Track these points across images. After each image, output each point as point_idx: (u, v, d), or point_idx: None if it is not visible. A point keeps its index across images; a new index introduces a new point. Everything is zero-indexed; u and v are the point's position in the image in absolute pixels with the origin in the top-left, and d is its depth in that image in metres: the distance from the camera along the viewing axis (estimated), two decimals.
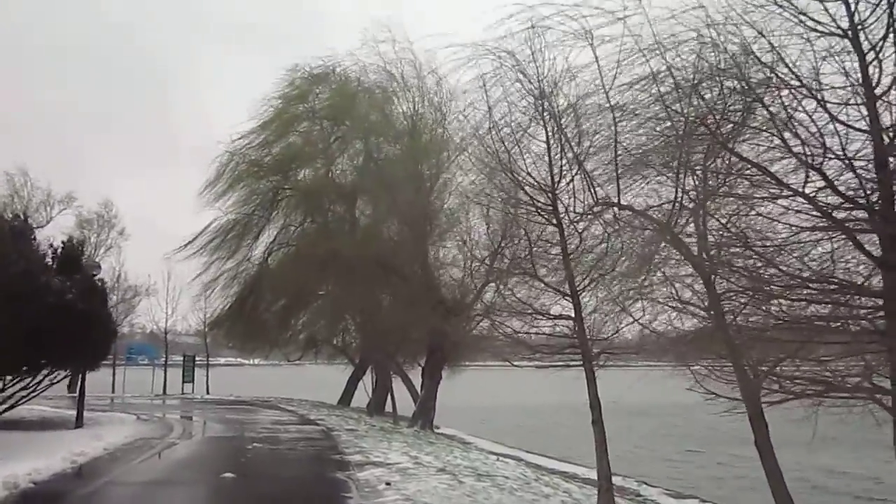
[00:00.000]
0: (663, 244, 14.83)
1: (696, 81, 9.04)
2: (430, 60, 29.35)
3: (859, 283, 7.19)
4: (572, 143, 12.82)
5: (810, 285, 7.19)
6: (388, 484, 13.08)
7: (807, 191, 7.19)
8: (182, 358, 53.69)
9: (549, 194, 12.80)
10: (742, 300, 12.75)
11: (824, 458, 27.90)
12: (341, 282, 31.23)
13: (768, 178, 6.83)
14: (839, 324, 7.42)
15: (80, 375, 24.92)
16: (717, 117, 8.01)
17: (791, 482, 15.42)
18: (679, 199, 14.32)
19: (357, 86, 34.09)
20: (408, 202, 28.08)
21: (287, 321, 37.68)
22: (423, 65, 30.86)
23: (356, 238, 31.79)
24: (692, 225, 11.85)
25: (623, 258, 13.31)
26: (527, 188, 12.76)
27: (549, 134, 12.65)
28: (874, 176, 6.56)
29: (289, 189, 35.64)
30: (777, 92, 7.01)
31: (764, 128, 6.90)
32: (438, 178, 28.58)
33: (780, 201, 7.20)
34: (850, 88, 6.62)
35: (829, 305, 7.43)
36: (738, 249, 12.29)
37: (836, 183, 6.78)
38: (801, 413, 7.85)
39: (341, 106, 33.87)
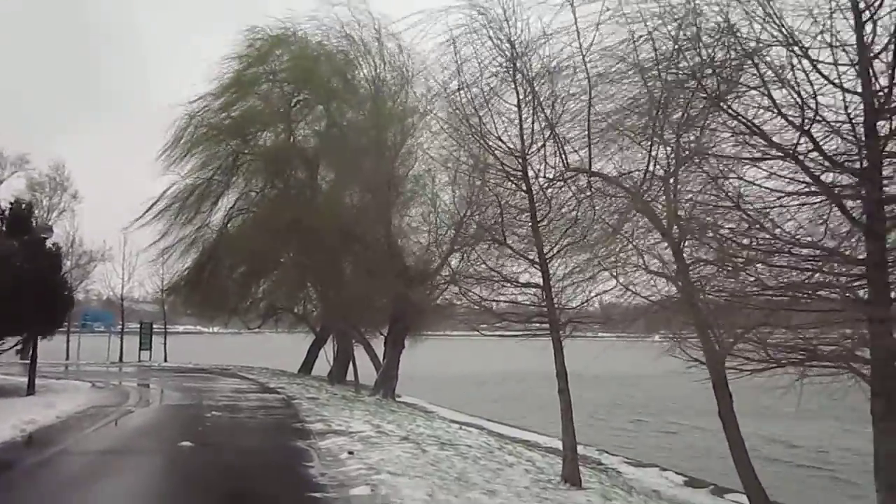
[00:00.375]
0: (634, 213, 14.71)
1: (678, 47, 8.77)
2: (389, 25, 28.87)
3: (842, 251, 7.07)
4: (545, 108, 12.53)
5: (793, 251, 7.02)
6: (350, 453, 12.82)
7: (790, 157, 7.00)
8: (139, 325, 52.70)
9: (520, 159, 12.51)
10: (710, 270, 12.71)
11: (778, 428, 28.48)
12: (303, 249, 30.73)
13: (756, 138, 6.60)
14: (816, 292, 7.28)
15: (32, 342, 24.14)
16: (709, 73, 7.74)
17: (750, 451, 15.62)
18: (651, 167, 14.21)
19: (318, 50, 33.24)
20: (371, 169, 27.61)
21: (247, 288, 37.01)
22: (384, 28, 30.30)
23: (318, 205, 31.22)
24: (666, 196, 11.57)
25: (594, 226, 13.12)
26: (497, 152, 12.44)
27: (521, 97, 12.32)
28: (863, 140, 6.39)
29: (249, 153, 34.74)
30: (768, 50, 6.79)
31: (753, 86, 6.65)
32: (403, 145, 28.10)
33: (762, 166, 6.98)
34: (842, 49, 6.41)
35: (807, 273, 7.28)
36: (709, 218, 12.21)
37: (823, 147, 6.59)
38: (783, 383, 7.72)
39: (302, 69, 33.00)
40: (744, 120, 6.31)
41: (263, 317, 40.75)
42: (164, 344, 50.63)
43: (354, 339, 32.37)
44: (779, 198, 6.98)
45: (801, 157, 6.27)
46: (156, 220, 35.96)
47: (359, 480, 10.51)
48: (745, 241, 7.74)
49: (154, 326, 52.54)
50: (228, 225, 35.95)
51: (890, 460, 6.76)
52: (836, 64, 6.49)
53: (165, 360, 47.71)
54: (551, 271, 13.00)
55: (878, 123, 6.43)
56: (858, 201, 6.68)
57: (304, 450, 13.35)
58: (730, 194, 9.32)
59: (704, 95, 8.25)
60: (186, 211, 35.50)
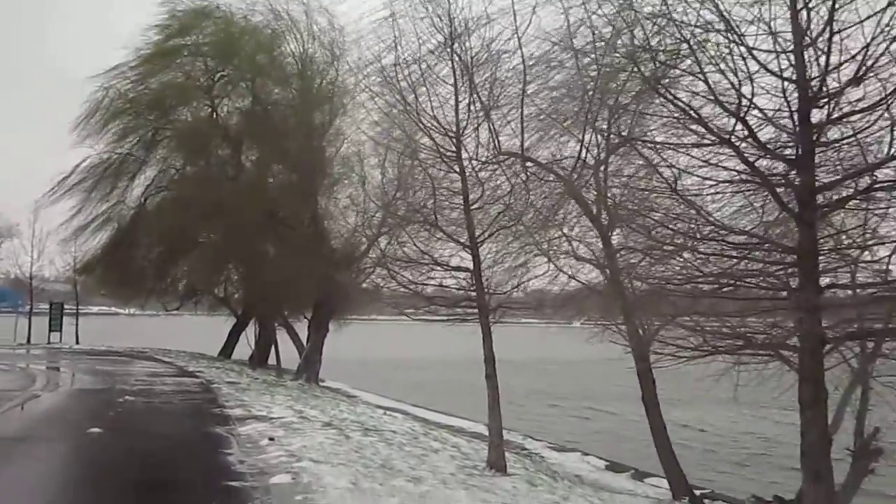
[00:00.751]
0: (566, 199, 14.71)
1: (615, 30, 8.65)
2: None
3: (774, 239, 7.10)
4: (480, 91, 12.33)
5: (726, 239, 7.00)
6: (271, 439, 12.40)
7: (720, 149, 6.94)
8: (49, 306, 50.31)
9: (454, 140, 12.26)
10: (639, 257, 12.80)
11: (700, 414, 29.30)
12: (225, 229, 29.72)
13: (692, 124, 6.52)
14: (747, 280, 7.30)
15: None
16: (646, 57, 7.64)
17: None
18: (583, 154, 14.21)
19: (244, 24, 32.09)
20: (298, 148, 26.95)
21: (165, 269, 35.66)
22: (314, 1, 29.53)
23: (242, 184, 30.30)
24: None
25: (526, 212, 13.02)
26: (431, 132, 12.16)
27: (458, 77, 12.07)
28: (796, 128, 6.38)
29: (169, 128, 33.37)
30: (705, 35, 6.71)
31: (690, 72, 6.58)
32: (332, 125, 27.50)
33: (696, 153, 6.93)
34: (777, 36, 6.37)
35: (738, 261, 7.29)
36: (640, 206, 12.25)
37: (758, 135, 6.56)
38: (712, 371, 7.73)
39: (226, 43, 31.79)
40: (681, 104, 6.21)
41: (182, 298, 39.39)
42: (76, 325, 48.43)
43: (277, 323, 31.66)
44: (712, 185, 6.94)
45: (737, 144, 6.21)
46: (68, 196, 34.31)
47: (280, 468, 10.13)
48: (676, 228, 7.67)
49: (65, 307, 50.21)
50: (146, 202, 34.54)
51: (815, 447, 6.84)
52: (772, 51, 6.46)
53: (77, 343, 45.70)
54: (482, 256, 12.85)
55: (812, 112, 6.44)
56: (791, 189, 6.70)
57: (222, 436, 12.84)
58: (661, 182, 9.29)
59: (641, 78, 8.15)
60: (101, 187, 33.95)
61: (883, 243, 6.67)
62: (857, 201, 6.83)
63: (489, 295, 13.14)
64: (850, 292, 7.15)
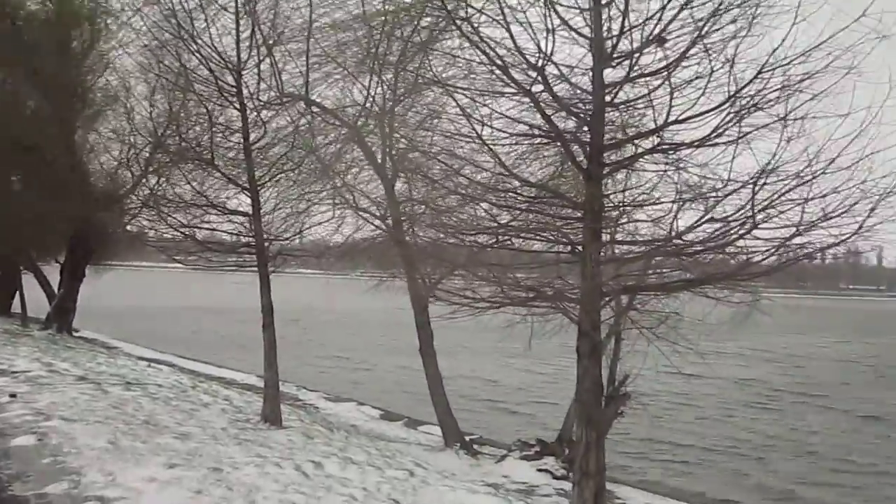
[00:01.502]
0: (351, 147, 14.35)
1: None
2: None
3: (563, 193, 7.29)
4: (263, 23, 11.53)
5: (516, 192, 7.06)
6: (12, 396, 11.04)
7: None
8: None
9: (235, 74, 11.38)
10: (421, 210, 12.80)
11: (480, 365, 30.68)
12: None
13: (495, 74, 6.43)
14: (534, 233, 7.46)
15: None
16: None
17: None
18: (369, 101, 13.89)
19: None
20: (53, 73, 23.92)
21: None
22: None
23: None
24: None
25: (310, 157, 12.48)
26: (210, 63, 11.15)
27: (240, 7, 11.16)
28: (590, 86, 6.52)
29: None
30: None
31: (493, 17, 6.43)
32: (93, 49, 24.69)
33: (493, 105, 6.85)
34: None
35: (523, 213, 7.41)
36: (423, 158, 12.19)
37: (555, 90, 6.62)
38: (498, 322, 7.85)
39: None
40: (482, 48, 6.06)
41: None
42: None
43: (23, 266, 28.34)
44: (506, 137, 6.94)
45: (536, 97, 6.22)
46: None
47: (23, 428, 9.05)
48: (463, 181, 7.64)
49: None
50: None
51: (590, 395, 7.22)
52: (573, 7, 6.52)
53: None
54: (262, 200, 12.17)
55: (605, 71, 6.61)
56: (581, 146, 6.88)
57: None
58: (450, 131, 9.20)
59: (441, 11, 7.83)
60: None
61: (661, 202, 7.09)
62: (643, 161, 7.18)
63: (269, 242, 12.53)
64: (630, 248, 7.56)
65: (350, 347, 36.18)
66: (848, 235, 5.96)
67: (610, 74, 6.54)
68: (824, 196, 5.88)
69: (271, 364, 12.70)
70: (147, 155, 19.24)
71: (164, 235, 13.72)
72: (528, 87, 6.23)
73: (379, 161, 14.48)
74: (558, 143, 7.02)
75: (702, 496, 14.21)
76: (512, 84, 6.27)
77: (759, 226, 6.15)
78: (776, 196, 6.06)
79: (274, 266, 12.83)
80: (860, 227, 5.83)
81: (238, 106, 11.69)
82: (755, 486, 15.14)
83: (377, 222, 15.02)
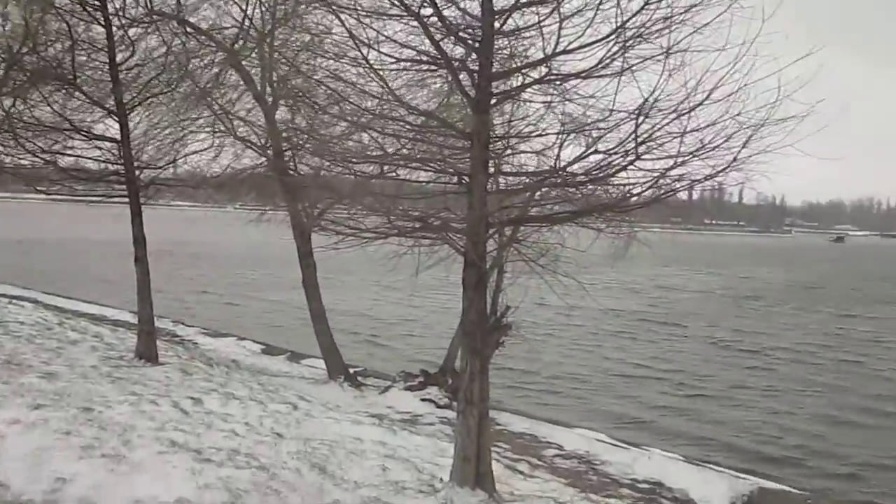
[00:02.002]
0: (228, 71, 13.61)
1: None
2: None
3: (452, 122, 7.16)
4: None
5: (405, 120, 6.87)
6: None
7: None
8: None
9: None
10: (304, 139, 12.35)
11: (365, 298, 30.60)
12: None
13: None
14: (421, 163, 7.31)
15: None
16: None
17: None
18: (247, 23, 13.15)
19: None
20: None
21: None
22: None
23: None
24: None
25: (184, 80, 11.73)
26: None
27: None
28: (479, 13, 6.35)
29: None
30: None
31: None
32: None
33: (380, 28, 6.57)
34: None
35: (410, 142, 7.25)
36: (306, 83, 11.74)
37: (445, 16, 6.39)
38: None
39: None
40: None
41: None
42: None
43: None
44: (393, 62, 6.70)
45: (423, 20, 6.00)
46: None
47: None
48: (351, 108, 7.37)
49: None
50: None
51: (475, 325, 7.28)
52: None
53: None
54: (132, 125, 11.41)
55: None
56: (469, 74, 6.74)
57: None
58: (334, 55, 8.85)
59: None
60: None
61: (547, 134, 7.10)
62: (530, 92, 7.13)
63: (140, 170, 11.82)
64: (516, 180, 7.56)
65: (231, 282, 35.29)
66: (723, 167, 6.20)
67: (500, 1, 6.41)
68: (702, 129, 6.06)
69: (145, 299, 12.16)
70: (0, 73, 17.59)
71: (22, 162, 12.65)
72: (417, 10, 6.01)
73: (258, 87, 13.85)
74: (446, 71, 6.86)
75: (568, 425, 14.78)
76: (400, 4, 6.03)
77: (641, 157, 6.28)
78: (657, 128, 6.19)
79: (146, 196, 12.16)
80: (734, 160, 6.06)
81: (102, 22, 10.79)
82: (617, 414, 15.96)
83: (258, 152, 14.45)
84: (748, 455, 13.48)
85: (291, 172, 13.30)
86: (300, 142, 12.66)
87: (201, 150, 12.92)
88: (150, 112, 11.80)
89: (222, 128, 13.61)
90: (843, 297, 41.97)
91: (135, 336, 12.77)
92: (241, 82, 13.92)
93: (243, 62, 13.59)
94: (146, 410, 8.78)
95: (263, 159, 14.46)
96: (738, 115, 5.89)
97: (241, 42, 13.39)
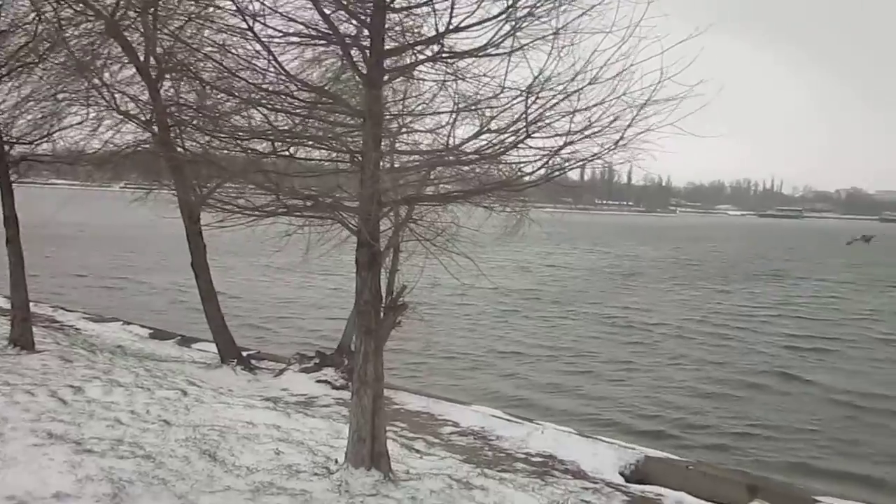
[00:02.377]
0: (108, 41, 12.87)
1: None
2: None
3: (344, 98, 6.99)
4: None
5: (294, 96, 6.67)
6: None
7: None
8: None
9: None
10: (190, 114, 11.83)
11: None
12: None
13: None
14: (313, 140, 7.13)
15: None
16: None
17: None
18: None
19: None
20: None
21: None
22: None
23: None
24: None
25: (58, 50, 11.01)
26: None
27: None
28: None
29: None
30: None
31: None
32: None
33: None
34: None
35: (302, 119, 7.06)
36: (192, 56, 11.24)
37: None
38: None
39: None
40: None
41: None
42: None
43: None
44: (281, 37, 6.48)
45: None
46: None
47: None
48: (238, 83, 7.10)
49: None
50: None
51: (369, 306, 7.20)
52: None
53: None
54: (0, 97, 10.65)
55: None
56: (361, 51, 6.61)
57: None
58: (223, 27, 8.53)
59: None
60: None
61: (440, 113, 7.06)
62: (423, 70, 7.06)
63: (10, 145, 11.07)
64: (410, 158, 7.49)
65: (116, 265, 33.81)
66: (610, 146, 6.35)
67: None
68: (590, 108, 6.18)
69: (18, 282, 11.45)
70: None
71: None
72: None
73: (141, 59, 13.17)
74: (339, 47, 6.71)
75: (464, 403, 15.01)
76: None
77: (532, 136, 6.36)
78: (546, 107, 6.27)
79: (18, 174, 11.41)
80: (621, 138, 6.22)
81: None
82: (512, 391, 16.38)
83: (142, 127, 13.77)
84: (634, 428, 14.20)
85: (179, 149, 12.76)
86: (187, 117, 12.15)
87: (77, 124, 12.19)
88: (20, 82, 11.03)
89: (102, 101, 12.89)
90: (720, 273, 44.34)
91: (7, 322, 12.02)
92: (123, 53, 13.22)
93: (123, 32, 12.89)
94: (20, 401, 8.29)
95: (148, 135, 13.81)
96: (623, 94, 6.03)
97: (121, 10, 12.68)
